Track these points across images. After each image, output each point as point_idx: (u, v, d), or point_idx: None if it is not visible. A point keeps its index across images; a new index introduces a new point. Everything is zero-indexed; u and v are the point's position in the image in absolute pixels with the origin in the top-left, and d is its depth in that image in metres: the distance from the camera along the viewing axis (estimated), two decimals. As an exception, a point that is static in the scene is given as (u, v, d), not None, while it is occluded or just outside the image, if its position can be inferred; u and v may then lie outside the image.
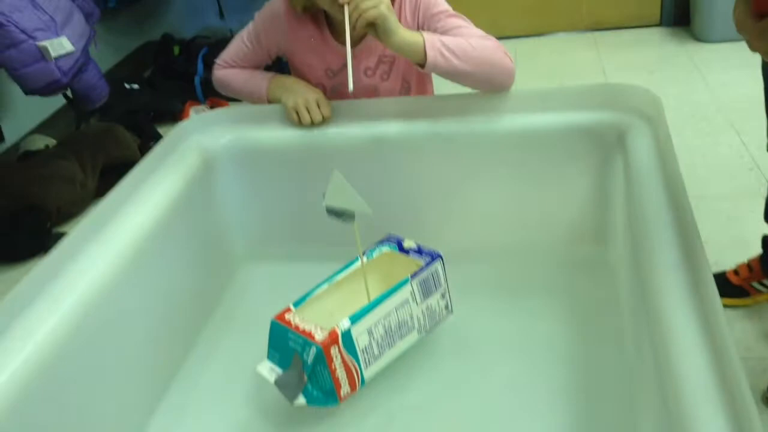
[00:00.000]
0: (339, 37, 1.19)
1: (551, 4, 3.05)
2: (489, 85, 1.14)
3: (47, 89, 1.84)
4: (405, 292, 0.95)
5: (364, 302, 0.94)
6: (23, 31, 1.77)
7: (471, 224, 1.21)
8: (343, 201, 0.91)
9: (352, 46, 1.16)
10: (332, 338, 0.89)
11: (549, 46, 2.97)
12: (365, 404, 0.98)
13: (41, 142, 2.26)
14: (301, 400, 0.91)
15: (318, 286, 0.99)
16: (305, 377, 0.90)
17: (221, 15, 2.98)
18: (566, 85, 2.54)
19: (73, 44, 1.84)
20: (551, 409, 0.94)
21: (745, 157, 1.94)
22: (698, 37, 2.80)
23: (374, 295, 0.95)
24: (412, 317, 0.97)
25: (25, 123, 2.41)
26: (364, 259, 1.01)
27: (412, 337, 0.99)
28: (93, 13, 2.04)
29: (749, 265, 1.36)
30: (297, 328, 0.92)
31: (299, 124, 1.19)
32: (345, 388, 0.92)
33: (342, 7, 1.06)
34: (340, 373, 0.91)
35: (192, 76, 2.73)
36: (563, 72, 2.70)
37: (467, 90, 1.16)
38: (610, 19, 3.04)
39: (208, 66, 2.74)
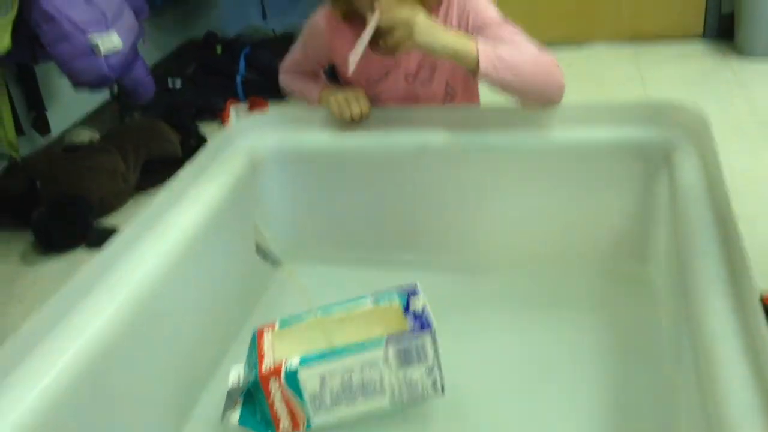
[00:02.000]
0: (377, 47, 1.19)
1: (591, 12, 3.03)
2: (538, 100, 1.13)
3: (96, 84, 1.89)
4: (376, 353, 0.89)
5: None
6: (75, 26, 1.81)
7: (511, 235, 1.22)
8: (270, 244, 0.90)
9: (392, 53, 1.18)
10: (274, 372, 0.87)
11: (588, 56, 2.96)
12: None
13: (86, 135, 2.30)
14: (233, 418, 0.90)
15: (313, 312, 0.97)
16: (240, 399, 0.90)
17: (264, 15, 3.01)
18: (609, 98, 2.52)
19: (122, 40, 1.87)
20: (585, 427, 0.93)
21: (788, 176, 1.92)
22: (742, 52, 2.77)
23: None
24: (382, 382, 0.90)
25: (71, 115, 2.46)
26: (370, 303, 0.97)
27: (382, 402, 0.92)
28: (143, 10, 2.08)
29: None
30: (260, 347, 0.92)
31: (339, 117, 1.21)
32: (285, 423, 0.90)
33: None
34: (280, 408, 0.89)
35: (234, 74, 2.76)
36: (603, 83, 2.69)
37: (511, 101, 1.16)
38: (651, 30, 3.01)
39: (250, 65, 2.78)
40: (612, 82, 2.71)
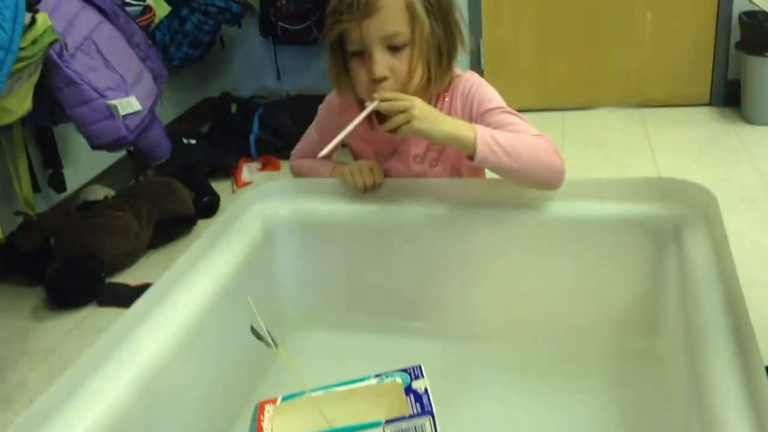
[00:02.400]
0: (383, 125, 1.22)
1: (600, 80, 3.10)
2: (537, 184, 1.15)
3: (113, 145, 1.93)
4: None
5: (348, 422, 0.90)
6: (95, 90, 1.86)
7: (520, 307, 1.22)
8: (264, 327, 0.91)
9: (402, 135, 1.19)
10: None
11: (596, 120, 3.01)
12: None
13: (100, 192, 2.34)
14: None
15: (317, 389, 0.96)
16: None
17: (278, 76, 3.09)
18: (617, 162, 2.54)
19: (140, 104, 1.92)
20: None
21: (796, 245, 1.92)
22: (748, 119, 2.81)
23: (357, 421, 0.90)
24: None
25: (86, 172, 2.51)
26: (375, 381, 0.96)
27: None
28: (161, 74, 2.14)
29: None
30: (260, 421, 0.91)
31: (353, 187, 1.24)
32: None
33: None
34: None
35: (247, 134, 2.82)
36: (610, 147, 2.72)
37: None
38: (658, 97, 3.06)
39: (264, 125, 2.83)
40: (620, 145, 2.74)
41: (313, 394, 0.96)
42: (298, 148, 1.39)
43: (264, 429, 0.91)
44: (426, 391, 0.93)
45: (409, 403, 0.91)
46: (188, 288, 1.05)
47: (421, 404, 0.90)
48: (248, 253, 1.18)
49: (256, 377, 1.20)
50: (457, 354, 1.21)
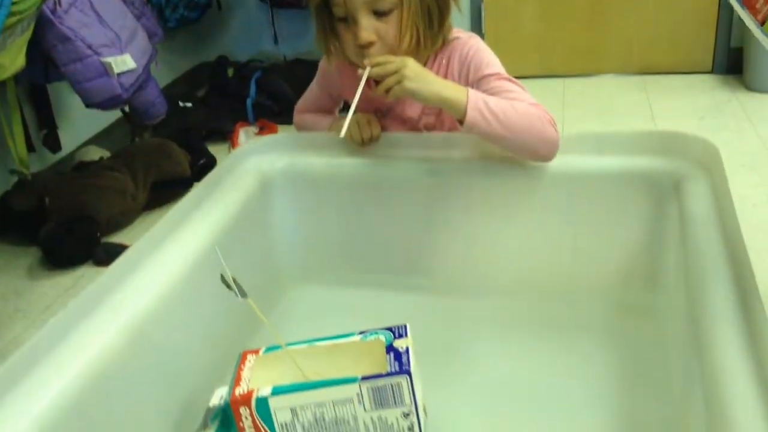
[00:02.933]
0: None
1: (601, 46, 3.06)
2: (529, 155, 1.12)
3: (108, 103, 1.91)
4: (349, 390, 0.88)
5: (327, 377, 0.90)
6: (89, 47, 1.84)
7: (518, 261, 1.21)
8: (229, 276, 0.88)
9: (394, 96, 1.15)
10: (245, 399, 0.87)
11: (598, 87, 2.98)
12: None
13: (96, 153, 2.32)
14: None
15: (300, 342, 0.96)
16: (210, 423, 0.89)
17: (275, 40, 3.05)
18: (618, 128, 2.53)
19: (135, 61, 1.90)
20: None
21: (797, 210, 1.91)
22: (750, 87, 2.78)
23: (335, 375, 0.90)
24: (356, 419, 0.89)
25: (82, 133, 2.48)
26: (357, 338, 0.96)
27: None
28: (156, 33, 2.11)
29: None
30: (240, 370, 0.92)
31: (350, 140, 1.22)
32: None
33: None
34: None
35: (244, 98, 2.79)
36: (611, 113, 2.70)
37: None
38: (660, 64, 3.03)
39: (261, 89, 2.80)
40: (621, 111, 2.72)
41: (296, 347, 0.96)
42: (301, 102, 1.37)
43: (243, 378, 0.91)
44: (407, 350, 0.92)
45: (389, 361, 0.90)
46: (181, 240, 1.04)
47: (400, 363, 0.89)
48: (243, 207, 1.16)
49: (250, 329, 1.19)
50: (455, 309, 1.21)
